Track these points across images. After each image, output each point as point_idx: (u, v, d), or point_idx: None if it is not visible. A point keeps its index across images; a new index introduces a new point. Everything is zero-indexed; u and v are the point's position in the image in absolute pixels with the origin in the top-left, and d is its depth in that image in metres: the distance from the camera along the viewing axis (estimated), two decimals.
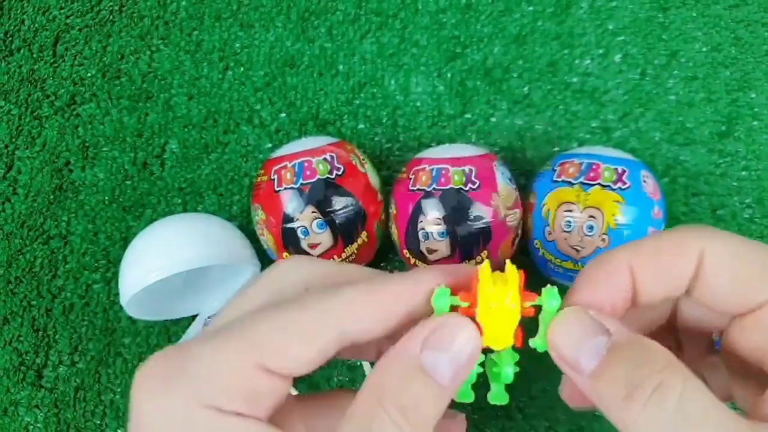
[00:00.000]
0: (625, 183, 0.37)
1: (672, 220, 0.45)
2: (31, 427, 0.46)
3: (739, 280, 0.21)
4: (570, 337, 0.21)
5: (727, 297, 0.22)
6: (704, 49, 0.47)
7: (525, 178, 0.45)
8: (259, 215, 0.40)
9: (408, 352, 0.21)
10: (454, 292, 0.22)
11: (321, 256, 0.40)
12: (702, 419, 0.18)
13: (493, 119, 0.47)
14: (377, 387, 0.21)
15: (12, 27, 0.51)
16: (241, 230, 0.43)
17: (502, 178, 0.39)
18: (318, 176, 0.39)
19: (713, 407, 0.18)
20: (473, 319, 0.22)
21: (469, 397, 0.23)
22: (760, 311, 0.21)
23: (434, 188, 0.38)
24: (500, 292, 0.21)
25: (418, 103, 0.48)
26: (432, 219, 0.38)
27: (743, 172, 0.45)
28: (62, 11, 0.51)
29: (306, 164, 0.39)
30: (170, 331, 0.46)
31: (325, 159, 0.39)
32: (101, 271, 0.47)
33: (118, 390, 0.46)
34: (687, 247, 0.21)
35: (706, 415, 0.18)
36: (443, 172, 0.38)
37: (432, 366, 0.21)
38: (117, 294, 0.47)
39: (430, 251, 0.39)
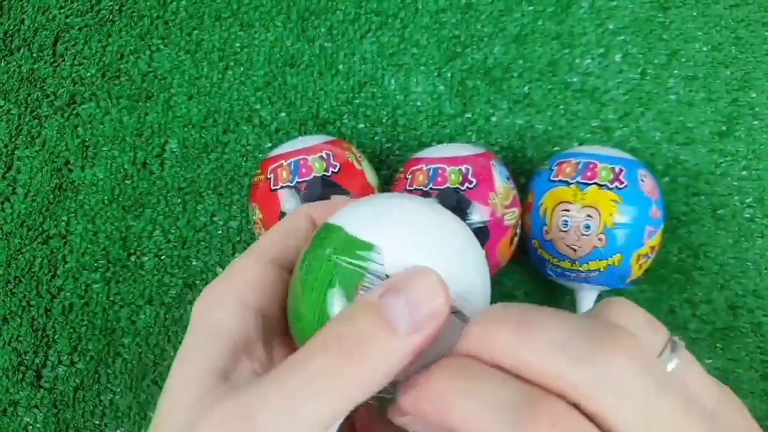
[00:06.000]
0: (622, 182, 0.37)
1: (672, 219, 0.45)
2: (30, 427, 0.46)
3: None
4: None
5: None
6: (704, 49, 0.47)
7: (525, 177, 0.45)
8: (256, 215, 0.40)
9: (369, 298, 0.20)
10: None
11: None
12: None
13: (494, 119, 0.47)
14: (327, 331, 0.20)
15: (12, 26, 0.51)
16: (241, 230, 0.43)
17: (499, 176, 0.39)
18: (314, 174, 0.39)
19: None
20: None
21: None
22: None
23: (431, 188, 0.38)
24: None
25: (418, 103, 0.48)
26: None
27: (744, 172, 0.45)
28: (62, 11, 0.51)
29: (302, 162, 0.39)
30: (169, 331, 0.46)
31: (321, 157, 0.39)
32: (101, 270, 0.47)
33: (118, 390, 0.46)
34: None
35: None
36: (440, 171, 0.38)
37: (388, 312, 0.20)
38: (116, 294, 0.47)
39: None
